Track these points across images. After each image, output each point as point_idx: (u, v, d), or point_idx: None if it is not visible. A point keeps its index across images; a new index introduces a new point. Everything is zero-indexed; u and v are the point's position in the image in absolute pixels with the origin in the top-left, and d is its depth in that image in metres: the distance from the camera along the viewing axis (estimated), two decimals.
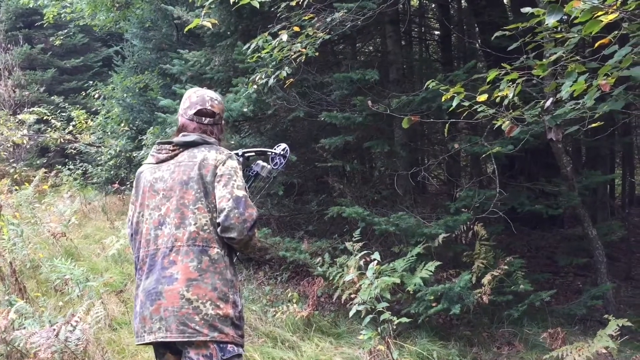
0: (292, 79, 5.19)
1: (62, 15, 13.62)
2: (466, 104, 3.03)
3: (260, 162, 2.88)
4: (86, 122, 14.06)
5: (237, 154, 2.67)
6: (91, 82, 15.13)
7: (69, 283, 5.42)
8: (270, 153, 3.02)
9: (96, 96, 14.26)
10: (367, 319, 4.01)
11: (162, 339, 2.27)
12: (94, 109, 15.05)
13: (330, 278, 5.43)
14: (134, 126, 11.68)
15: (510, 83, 2.82)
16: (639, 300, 7.08)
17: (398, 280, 4.66)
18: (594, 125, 2.84)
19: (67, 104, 15.47)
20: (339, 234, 6.22)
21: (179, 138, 2.48)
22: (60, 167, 13.12)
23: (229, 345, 2.29)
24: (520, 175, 7.25)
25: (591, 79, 2.53)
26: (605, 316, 4.50)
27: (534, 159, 7.69)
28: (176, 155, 2.46)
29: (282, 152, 2.98)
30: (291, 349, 4.64)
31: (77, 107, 15.22)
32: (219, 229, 2.32)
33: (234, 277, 2.38)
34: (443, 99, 3.17)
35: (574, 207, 6.35)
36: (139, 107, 11.22)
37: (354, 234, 5.35)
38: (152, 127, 9.86)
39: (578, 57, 2.58)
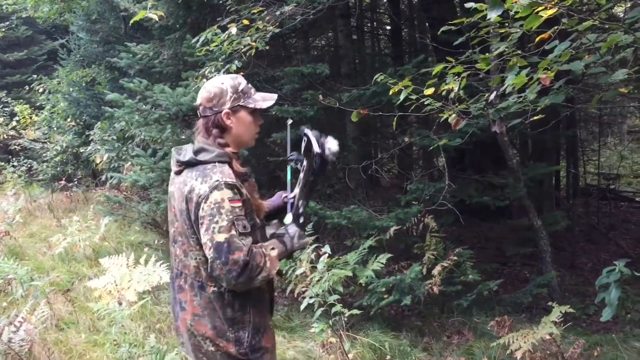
0: (242, 73, 5.15)
1: (4, 7, 13.13)
2: (414, 97, 3.07)
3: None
4: (30, 117, 13.63)
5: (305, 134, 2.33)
6: (35, 75, 14.61)
7: (12, 283, 5.25)
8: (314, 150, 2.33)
9: (41, 90, 13.80)
10: (319, 312, 4.02)
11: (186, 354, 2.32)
12: (38, 104, 14.55)
13: (283, 272, 5.43)
14: (81, 121, 11.40)
15: (456, 77, 2.87)
16: (583, 288, 7.34)
17: (350, 273, 4.69)
18: (535, 117, 2.93)
19: (10, 99, 14.90)
20: None
21: (182, 154, 2.21)
22: (3, 164, 12.67)
23: None
24: (469, 168, 7.40)
25: (532, 73, 2.60)
26: (550, 303, 4.64)
27: (483, 152, 7.86)
28: (182, 172, 2.21)
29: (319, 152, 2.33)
30: None
31: (21, 101, 14.70)
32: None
33: (237, 312, 2.20)
34: (391, 92, 3.20)
35: (520, 199, 6.52)
36: (86, 101, 10.96)
37: (306, 228, 5.36)
38: (99, 122, 9.67)
39: (520, 52, 2.64)
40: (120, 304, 4.44)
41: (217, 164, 2.13)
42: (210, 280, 2.15)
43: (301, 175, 2.40)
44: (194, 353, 2.23)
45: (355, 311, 4.14)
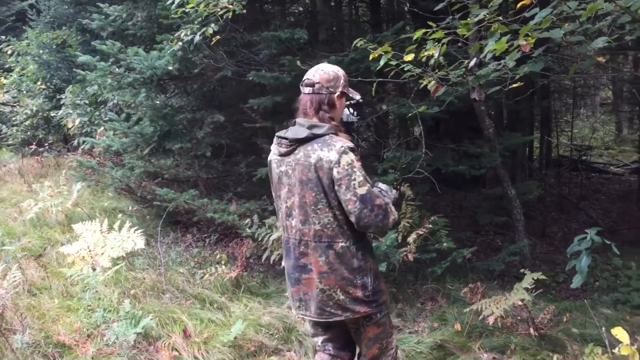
0: (218, 37, 5.04)
1: None
2: (393, 63, 3.05)
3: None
4: None
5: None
6: (3, 37, 14.13)
7: None
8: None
9: (9, 52, 13.36)
10: None
11: (301, 316, 2.72)
12: (7, 66, 14.12)
13: (259, 239, 5.43)
14: (52, 84, 11.09)
15: (436, 43, 2.85)
16: (553, 256, 7.52)
17: None
18: (514, 85, 2.93)
19: None
20: (268, 195, 6.18)
21: (293, 133, 2.53)
22: None
23: (372, 315, 2.63)
24: (446, 137, 7.43)
25: (513, 40, 2.59)
26: (522, 271, 4.73)
27: (459, 122, 7.89)
28: (294, 150, 2.54)
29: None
30: (220, 309, 4.62)
31: None
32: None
33: (361, 261, 2.55)
34: (370, 58, 3.17)
35: (495, 168, 6.59)
36: (57, 64, 10.64)
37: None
38: (71, 86, 9.42)
39: (501, 18, 2.62)
40: (94, 269, 4.41)
41: (331, 135, 2.50)
42: (337, 237, 2.50)
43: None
44: (322, 307, 2.56)
45: None
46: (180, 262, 5.66)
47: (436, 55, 2.83)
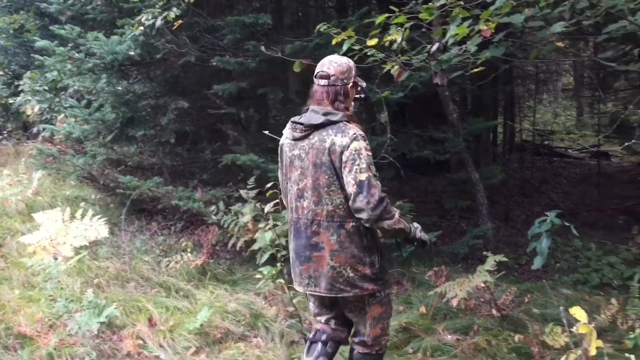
0: (181, 21, 4.96)
1: None
2: (357, 47, 3.04)
3: None
4: None
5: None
6: None
7: None
8: None
9: None
10: (265, 256, 4.06)
11: (311, 292, 2.81)
12: None
13: (225, 226, 5.40)
14: (10, 70, 10.80)
15: (399, 27, 2.85)
16: (516, 239, 7.66)
17: None
18: (476, 70, 2.97)
19: None
20: (234, 182, 6.15)
21: (309, 119, 2.68)
22: None
23: (376, 293, 2.79)
24: (410, 123, 7.49)
25: (474, 25, 2.61)
26: (485, 253, 4.80)
27: (424, 107, 7.95)
28: (309, 135, 2.68)
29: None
30: (185, 297, 4.59)
31: None
32: (351, 210, 2.62)
33: (370, 241, 2.72)
34: (333, 42, 3.16)
35: (459, 153, 6.67)
36: (14, 49, 10.38)
37: (248, 182, 5.32)
38: (29, 72, 9.18)
39: (462, 3, 2.64)
40: (55, 259, 4.31)
41: (345, 122, 2.65)
42: (349, 217, 2.64)
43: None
44: (332, 284, 2.69)
45: None
46: (145, 250, 5.59)
47: (399, 39, 2.84)
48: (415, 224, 2.96)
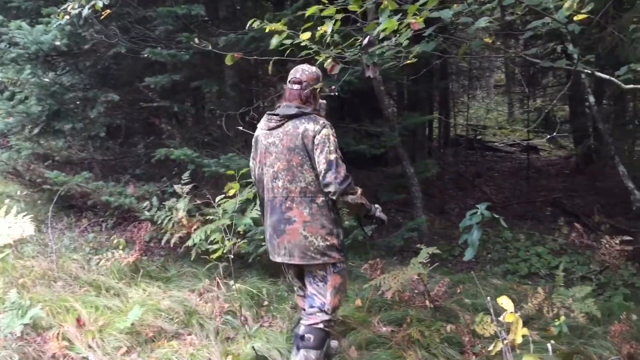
0: (109, 11, 4.76)
1: None
2: (288, 42, 3.02)
3: None
4: None
5: None
6: None
7: None
8: None
9: None
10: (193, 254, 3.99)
11: (287, 261, 3.20)
12: None
13: (159, 222, 5.27)
14: None
15: (329, 20, 2.85)
16: (450, 232, 7.83)
17: (228, 222, 4.64)
18: (408, 62, 3.00)
19: None
20: (168, 177, 6.02)
21: (284, 111, 3.17)
22: None
23: (338, 264, 3.21)
24: (347, 117, 7.53)
25: (404, 19, 2.63)
26: (419, 246, 4.89)
27: (360, 102, 8.01)
28: (283, 124, 3.16)
29: None
30: (117, 296, 4.45)
31: None
32: (321, 184, 3.07)
33: (336, 215, 3.19)
34: (267, 30, 3.15)
35: (395, 147, 6.76)
36: None
37: (182, 177, 5.22)
38: None
39: None
40: None
41: (315, 115, 3.18)
42: (319, 193, 3.09)
43: None
44: (303, 252, 3.11)
45: (231, 256, 4.09)
46: (74, 248, 5.40)
47: (329, 31, 2.84)
48: (376, 205, 3.41)
